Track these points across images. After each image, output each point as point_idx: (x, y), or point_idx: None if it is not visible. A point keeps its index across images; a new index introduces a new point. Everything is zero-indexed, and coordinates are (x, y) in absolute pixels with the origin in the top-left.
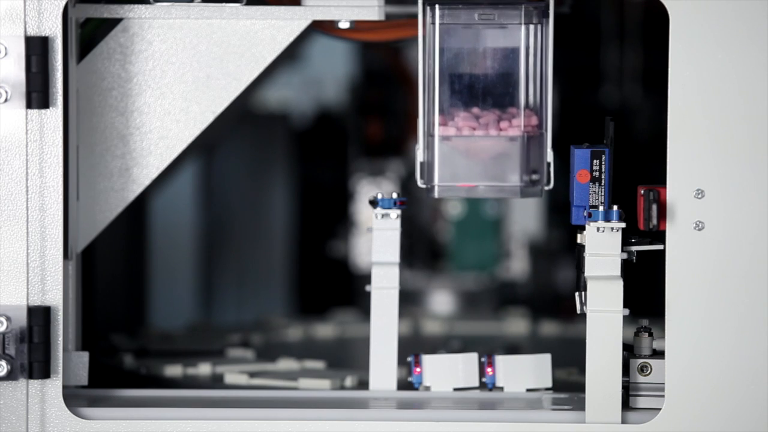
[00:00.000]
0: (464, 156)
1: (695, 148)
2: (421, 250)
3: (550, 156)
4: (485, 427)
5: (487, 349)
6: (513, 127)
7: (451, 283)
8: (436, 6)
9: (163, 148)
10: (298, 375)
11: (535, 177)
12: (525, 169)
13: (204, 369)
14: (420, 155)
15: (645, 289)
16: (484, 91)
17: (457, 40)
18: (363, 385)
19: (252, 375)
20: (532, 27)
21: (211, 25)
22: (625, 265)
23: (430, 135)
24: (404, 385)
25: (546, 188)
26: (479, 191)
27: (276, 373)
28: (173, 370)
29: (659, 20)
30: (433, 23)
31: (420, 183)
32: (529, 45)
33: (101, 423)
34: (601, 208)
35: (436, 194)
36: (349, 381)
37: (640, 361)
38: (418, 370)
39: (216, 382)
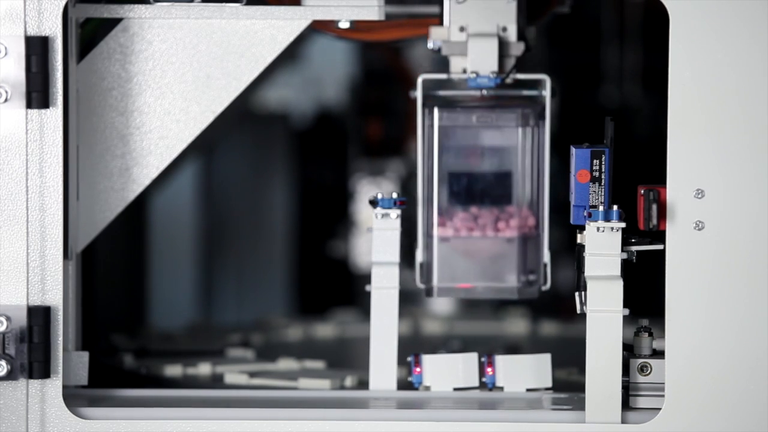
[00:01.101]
0: (462, 256)
1: (695, 148)
2: None
3: (546, 257)
4: (485, 427)
5: (487, 349)
6: (510, 228)
7: None
8: (435, 108)
9: (163, 147)
10: (298, 375)
11: (532, 278)
12: (522, 269)
13: (204, 369)
14: (419, 256)
15: (645, 289)
16: (482, 191)
17: (456, 141)
18: (363, 385)
19: (252, 375)
20: (528, 129)
21: (211, 25)
22: (625, 265)
23: (428, 236)
24: (404, 385)
25: (543, 288)
26: (477, 292)
27: (276, 373)
28: (173, 370)
29: (659, 20)
30: (432, 125)
31: (419, 283)
32: (525, 146)
33: (101, 423)
34: (601, 208)
35: (435, 294)
36: (349, 381)
37: (640, 361)
38: (418, 370)
39: (216, 382)
